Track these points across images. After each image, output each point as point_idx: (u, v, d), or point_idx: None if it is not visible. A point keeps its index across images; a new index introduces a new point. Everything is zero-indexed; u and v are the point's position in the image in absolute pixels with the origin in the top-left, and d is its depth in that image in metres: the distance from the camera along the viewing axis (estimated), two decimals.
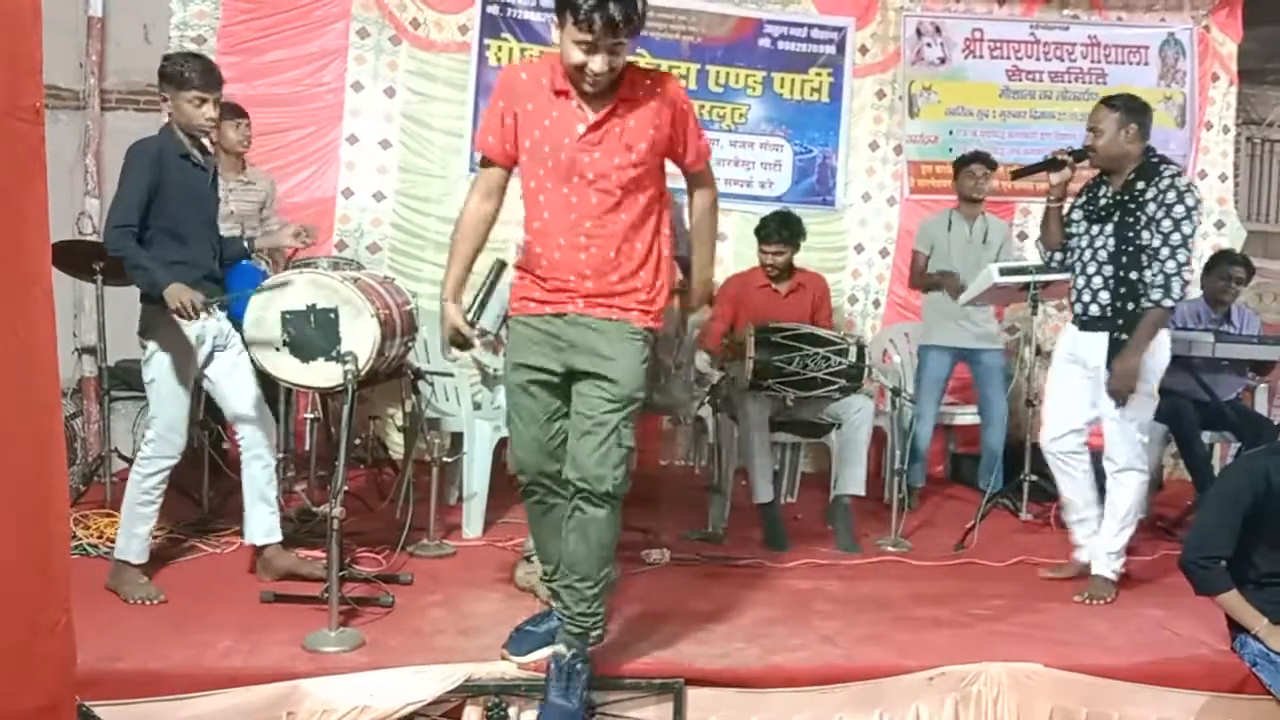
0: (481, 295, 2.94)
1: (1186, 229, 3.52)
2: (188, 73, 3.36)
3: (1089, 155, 3.74)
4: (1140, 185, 3.62)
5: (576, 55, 2.56)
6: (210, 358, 3.48)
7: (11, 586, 1.77)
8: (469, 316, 2.87)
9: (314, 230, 4.15)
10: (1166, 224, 3.53)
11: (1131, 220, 3.63)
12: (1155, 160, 3.66)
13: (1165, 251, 3.54)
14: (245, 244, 3.83)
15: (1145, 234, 3.58)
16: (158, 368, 3.39)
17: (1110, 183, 3.73)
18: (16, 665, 1.79)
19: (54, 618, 1.88)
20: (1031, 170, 4.03)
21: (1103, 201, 3.73)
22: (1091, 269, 3.74)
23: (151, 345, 3.39)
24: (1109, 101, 3.72)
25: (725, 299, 4.90)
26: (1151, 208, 3.57)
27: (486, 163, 2.85)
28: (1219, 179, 6.40)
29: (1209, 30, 6.29)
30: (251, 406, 3.55)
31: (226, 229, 4.19)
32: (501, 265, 2.99)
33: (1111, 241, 3.68)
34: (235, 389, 3.52)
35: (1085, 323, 3.76)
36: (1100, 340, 3.69)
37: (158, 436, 3.38)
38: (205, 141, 3.57)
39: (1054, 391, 3.91)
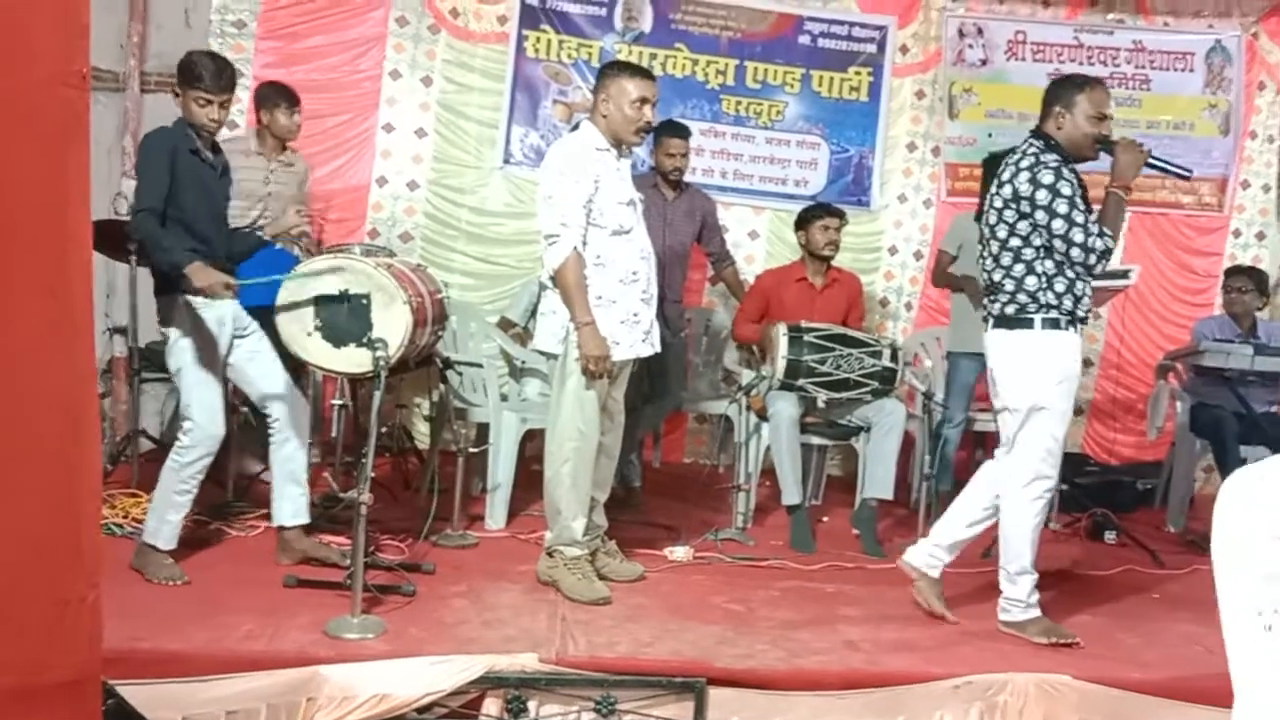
0: None
1: None
2: (199, 70, 3.32)
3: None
4: None
5: None
6: (232, 344, 3.48)
7: (41, 559, 1.76)
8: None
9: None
10: None
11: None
12: None
13: None
14: (259, 235, 3.83)
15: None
16: (181, 355, 3.37)
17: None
18: (44, 639, 1.78)
19: (82, 593, 1.86)
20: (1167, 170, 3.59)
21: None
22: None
23: (173, 333, 3.37)
24: None
25: (759, 292, 4.88)
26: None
27: None
28: (1262, 189, 6.27)
29: (1257, 38, 6.15)
30: (281, 388, 3.55)
31: (255, 212, 4.22)
32: None
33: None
34: (260, 372, 3.53)
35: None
36: None
37: (195, 425, 3.34)
38: (214, 141, 3.51)
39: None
